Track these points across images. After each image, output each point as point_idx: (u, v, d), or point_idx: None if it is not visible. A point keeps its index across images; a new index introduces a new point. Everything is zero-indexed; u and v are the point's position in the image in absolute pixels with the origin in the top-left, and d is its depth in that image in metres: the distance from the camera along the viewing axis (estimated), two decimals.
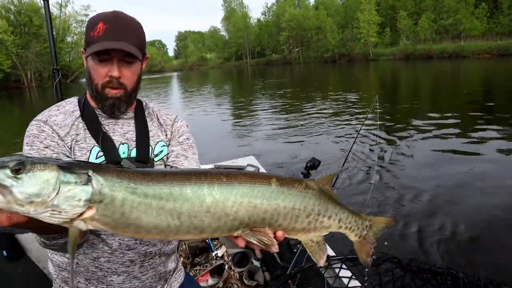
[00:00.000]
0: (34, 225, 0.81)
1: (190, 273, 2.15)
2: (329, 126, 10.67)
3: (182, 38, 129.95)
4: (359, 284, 1.69)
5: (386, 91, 19.49)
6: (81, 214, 0.77)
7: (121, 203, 0.79)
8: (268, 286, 1.69)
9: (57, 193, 0.75)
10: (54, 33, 3.09)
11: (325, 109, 13.98)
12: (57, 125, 1.28)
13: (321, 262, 1.04)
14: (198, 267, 2.18)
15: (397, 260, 1.73)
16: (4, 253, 2.30)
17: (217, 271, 2.19)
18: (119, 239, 1.29)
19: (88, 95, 1.36)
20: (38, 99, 35.23)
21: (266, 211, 0.89)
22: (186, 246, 2.37)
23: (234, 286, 2.06)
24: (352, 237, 1.09)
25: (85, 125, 1.30)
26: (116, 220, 0.80)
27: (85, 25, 1.34)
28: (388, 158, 6.95)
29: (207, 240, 2.46)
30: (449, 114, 10.59)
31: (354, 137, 2.54)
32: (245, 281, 2.14)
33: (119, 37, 1.21)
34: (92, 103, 1.35)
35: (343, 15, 71.30)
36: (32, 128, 1.28)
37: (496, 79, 21.55)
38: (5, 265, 2.25)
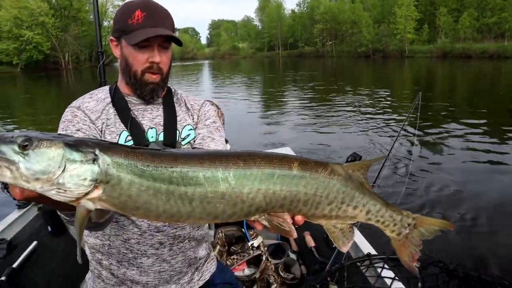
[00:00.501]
0: (46, 200, 0.80)
1: (227, 262, 2.16)
2: (364, 121, 10.50)
3: (215, 26, 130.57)
4: (403, 287, 1.63)
5: (421, 89, 18.84)
6: (87, 193, 0.76)
7: (128, 186, 0.77)
8: (307, 282, 1.66)
9: (63, 171, 0.73)
10: (99, 17, 3.15)
11: (358, 104, 13.75)
12: (89, 110, 1.32)
13: (344, 249, 0.99)
14: (235, 256, 2.19)
15: (443, 264, 1.66)
16: (49, 228, 2.40)
17: (253, 262, 2.19)
18: (148, 221, 1.31)
19: (119, 83, 1.39)
20: (75, 81, 36.42)
21: (285, 197, 0.85)
22: (223, 234, 2.39)
23: (270, 277, 2.04)
24: (388, 233, 1.01)
25: (115, 110, 1.34)
26: (124, 202, 0.78)
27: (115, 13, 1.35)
28: (423, 157, 6.75)
29: (243, 230, 2.48)
30: (486, 120, 10.09)
31: (395, 135, 2.47)
32: (281, 273, 2.12)
33: (158, 23, 1.24)
34: (125, 90, 1.38)
35: (380, 9, 69.35)
36: (67, 114, 1.33)
37: None
38: (50, 241, 2.36)
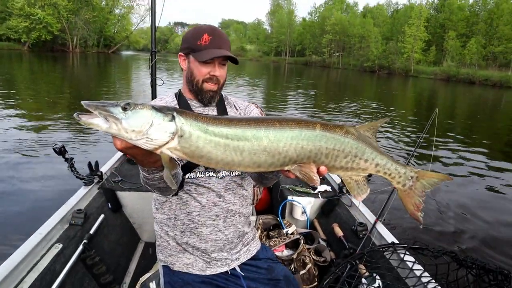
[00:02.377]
0: (137, 151, 1.05)
1: (270, 243, 2.50)
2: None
3: (225, 25, 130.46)
4: (422, 268, 1.97)
5: (423, 110, 19.44)
6: (167, 143, 1.00)
7: (196, 139, 1.01)
8: (340, 263, 1.99)
9: (151, 125, 0.98)
10: (155, 21, 3.38)
11: (360, 117, 14.16)
12: None
13: (359, 198, 1.19)
14: (275, 239, 2.54)
15: (454, 254, 2.01)
16: (109, 205, 2.74)
17: (291, 245, 2.52)
18: (207, 197, 1.64)
19: (183, 89, 1.75)
20: (80, 64, 36.37)
21: (311, 150, 1.07)
22: (261, 221, 2.75)
23: (306, 258, 2.37)
24: (395, 184, 1.18)
25: None
26: (193, 151, 1.02)
27: (183, 34, 1.75)
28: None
29: (278, 219, 2.83)
30: (480, 149, 10.53)
31: (410, 152, 2.72)
32: (314, 257, 2.45)
33: (220, 45, 1.57)
34: (187, 95, 1.71)
35: (390, 27, 69.94)
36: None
37: None
38: (110, 215, 2.70)
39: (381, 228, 2.41)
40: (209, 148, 1.02)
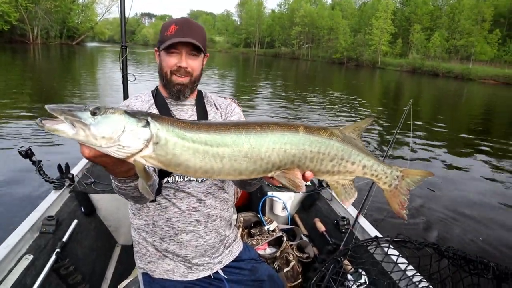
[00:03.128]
0: (107, 160, 0.97)
1: (253, 242, 2.45)
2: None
3: (194, 16, 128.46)
4: (406, 262, 1.99)
5: (389, 101, 20.07)
6: (140, 151, 0.92)
7: (173, 146, 0.94)
8: (325, 261, 1.98)
9: (123, 131, 0.90)
10: (125, 14, 3.25)
11: (328, 108, 14.42)
12: (137, 108, 1.59)
13: (346, 204, 1.14)
14: (258, 237, 2.48)
15: (436, 246, 2.04)
16: (82, 209, 2.61)
17: (273, 243, 2.49)
18: (186, 202, 1.57)
19: (159, 86, 1.66)
20: (42, 57, 34.78)
21: (294, 155, 1.01)
22: (242, 218, 2.70)
23: (290, 255, 2.33)
24: (381, 185, 1.16)
25: (158, 111, 1.59)
26: (169, 159, 0.95)
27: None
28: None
29: (258, 215, 2.79)
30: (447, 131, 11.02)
31: (388, 143, 2.76)
32: (297, 253, 2.42)
33: (187, 34, 1.47)
34: (163, 93, 1.62)
35: (358, 19, 71.18)
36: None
37: (498, 106, 22.12)
38: (83, 220, 2.56)
39: (363, 222, 2.41)
40: (187, 156, 0.95)
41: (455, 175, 7.26)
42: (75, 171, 2.87)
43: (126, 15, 3.26)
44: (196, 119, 1.61)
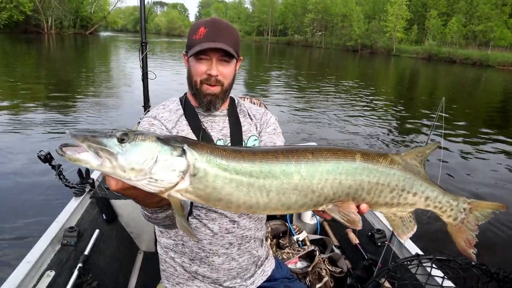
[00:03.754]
0: (137, 193, 0.88)
1: (283, 256, 2.33)
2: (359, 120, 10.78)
3: (205, 4, 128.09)
4: (453, 285, 1.84)
5: (404, 90, 19.70)
6: (176, 185, 0.82)
7: (214, 178, 0.83)
8: (367, 282, 1.84)
9: (155, 162, 0.80)
10: (144, 9, 3.16)
11: (343, 98, 14.14)
12: (165, 120, 1.46)
13: (404, 237, 1.04)
14: (288, 250, 2.36)
15: (485, 267, 1.88)
16: (103, 216, 2.52)
17: (304, 256, 2.36)
18: (219, 223, 1.44)
19: (188, 94, 1.51)
20: (56, 47, 35.05)
21: (350, 186, 0.91)
22: (270, 228, 2.57)
23: (322, 271, 2.21)
24: (445, 218, 1.04)
25: (187, 122, 1.46)
26: (209, 193, 0.84)
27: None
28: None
29: (287, 224, 2.66)
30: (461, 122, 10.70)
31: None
32: (329, 267, 2.29)
33: (217, 38, 1.33)
34: (193, 102, 1.49)
35: (372, 5, 69.62)
36: (143, 123, 1.47)
37: None
38: (105, 227, 2.47)
39: None
40: (229, 189, 0.84)
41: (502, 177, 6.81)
42: (95, 175, 2.78)
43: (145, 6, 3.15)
44: (229, 132, 1.49)
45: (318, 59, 42.02)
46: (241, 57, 1.50)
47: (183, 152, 0.83)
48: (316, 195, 0.89)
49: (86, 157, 0.78)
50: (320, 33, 74.87)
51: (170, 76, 16.39)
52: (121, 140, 0.79)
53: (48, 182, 4.71)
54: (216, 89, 1.40)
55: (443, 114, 2.45)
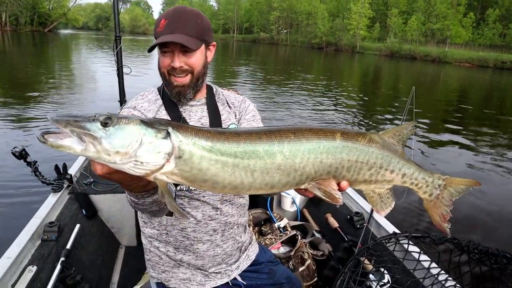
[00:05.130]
0: (123, 176, 0.88)
1: (266, 242, 2.38)
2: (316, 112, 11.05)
3: (170, 2, 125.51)
4: (429, 259, 1.95)
5: (368, 84, 20.33)
6: (161, 167, 0.82)
7: (199, 160, 0.83)
8: (348, 260, 1.92)
9: (139, 145, 0.79)
10: (117, 1, 3.10)
11: (309, 92, 14.46)
12: (145, 110, 1.45)
13: (382, 213, 1.06)
14: (271, 236, 2.41)
15: (456, 241, 2.01)
16: (83, 211, 2.48)
17: (285, 241, 2.42)
18: (202, 211, 1.47)
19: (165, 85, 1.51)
20: (12, 45, 33.39)
21: (331, 165, 0.92)
22: (252, 216, 2.62)
23: (305, 254, 2.27)
24: (421, 194, 1.07)
25: (167, 112, 1.46)
26: (195, 175, 0.84)
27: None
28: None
29: (267, 212, 2.71)
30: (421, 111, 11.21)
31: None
32: (311, 251, 2.36)
33: (175, 30, 1.30)
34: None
35: (336, 3, 71.09)
36: (123, 114, 1.47)
37: (472, 88, 22.74)
38: (85, 223, 2.43)
39: (378, 217, 2.36)
40: (215, 170, 0.85)
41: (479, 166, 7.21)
42: (72, 170, 2.72)
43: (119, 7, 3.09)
44: (207, 120, 1.49)
45: (284, 56, 42.44)
46: (214, 43, 1.49)
47: (168, 134, 0.82)
48: (299, 174, 0.90)
49: (69, 143, 0.76)
50: (285, 31, 75.52)
51: (144, 71, 16.10)
52: (104, 124, 0.78)
53: (24, 179, 4.57)
54: (185, 80, 1.39)
55: (412, 107, 2.56)
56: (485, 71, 37.94)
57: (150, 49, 1.34)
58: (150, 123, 0.83)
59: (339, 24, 62.99)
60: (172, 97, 1.43)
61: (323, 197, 0.94)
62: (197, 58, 1.38)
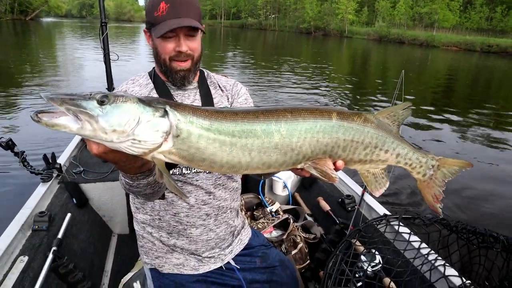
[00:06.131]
0: (119, 156, 0.87)
1: (259, 226, 2.39)
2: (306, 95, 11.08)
3: None
4: (419, 240, 1.99)
5: (357, 68, 20.40)
6: (159, 146, 0.81)
7: (197, 139, 0.83)
8: (340, 243, 1.95)
9: (137, 123, 0.78)
10: None
11: (299, 76, 14.49)
12: (136, 93, 1.43)
13: (376, 193, 1.06)
14: (263, 220, 2.42)
15: (445, 221, 2.05)
16: (74, 200, 2.46)
17: (278, 225, 2.43)
18: (195, 195, 1.46)
19: (157, 70, 1.49)
20: None
21: (327, 144, 0.93)
22: (244, 201, 2.63)
23: (297, 237, 2.29)
24: (415, 174, 1.08)
25: (158, 96, 1.43)
26: (192, 154, 0.84)
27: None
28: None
29: (259, 197, 2.72)
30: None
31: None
32: (303, 234, 2.38)
33: (181, 14, 1.29)
34: (162, 77, 1.46)
35: None
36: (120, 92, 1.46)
37: (460, 71, 22.96)
38: (76, 212, 2.41)
39: (369, 199, 2.39)
40: (213, 149, 0.84)
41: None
42: (61, 160, 2.68)
43: None
44: (200, 104, 1.47)
45: (273, 42, 42.18)
46: (204, 25, 1.47)
47: (165, 113, 0.81)
48: (295, 153, 0.91)
49: (65, 121, 0.75)
50: (273, 16, 74.92)
51: (131, 58, 15.87)
52: (101, 102, 0.77)
53: (12, 169, 4.52)
54: (187, 64, 1.39)
55: (402, 91, 2.57)
56: (472, 55, 38.23)
57: (161, 35, 1.30)
58: (147, 102, 0.82)
59: (327, 8, 62.67)
60: (176, 81, 1.41)
61: (320, 176, 0.95)
62: (198, 42, 1.39)
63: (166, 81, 1.46)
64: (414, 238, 2.00)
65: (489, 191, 5.16)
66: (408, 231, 2.05)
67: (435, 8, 54.77)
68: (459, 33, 51.05)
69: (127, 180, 1.11)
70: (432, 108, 10.42)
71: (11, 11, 56.66)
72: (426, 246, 1.95)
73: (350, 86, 13.51)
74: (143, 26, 1.46)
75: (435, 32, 51.95)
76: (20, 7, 58.76)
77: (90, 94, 0.77)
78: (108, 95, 0.78)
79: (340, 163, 0.97)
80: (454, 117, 9.49)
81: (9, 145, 2.21)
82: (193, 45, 1.37)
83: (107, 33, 3.00)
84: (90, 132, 0.76)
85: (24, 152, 2.30)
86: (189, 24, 1.28)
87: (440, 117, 9.45)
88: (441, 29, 53.63)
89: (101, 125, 0.76)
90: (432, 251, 1.92)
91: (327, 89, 12.32)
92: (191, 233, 1.50)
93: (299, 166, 0.95)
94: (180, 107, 0.84)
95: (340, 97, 11.02)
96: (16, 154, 2.26)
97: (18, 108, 7.96)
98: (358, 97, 11.44)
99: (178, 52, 1.34)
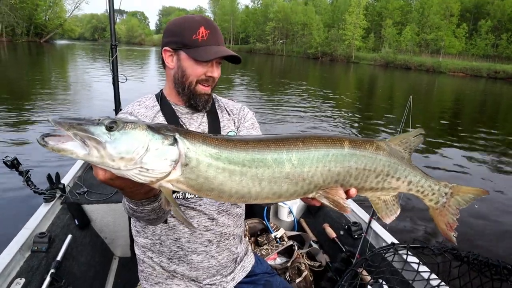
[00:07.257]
0: (126, 183, 0.86)
1: (262, 252, 2.33)
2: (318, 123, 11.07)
3: (166, 13, 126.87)
4: (428, 270, 1.92)
5: (364, 93, 20.48)
6: (167, 175, 0.79)
7: (206, 168, 0.81)
8: (345, 272, 1.88)
9: (146, 151, 0.77)
10: (114, 11, 3.10)
11: (307, 102, 14.52)
12: (142, 115, 1.42)
13: (387, 220, 1.04)
14: (267, 247, 2.36)
15: (456, 251, 1.98)
16: (76, 221, 2.43)
17: (282, 252, 2.37)
18: (197, 221, 1.43)
19: (167, 91, 1.47)
20: (8, 55, 33.36)
21: (339, 173, 0.91)
22: (248, 226, 2.57)
23: (302, 265, 2.22)
24: (427, 202, 1.06)
25: (164, 118, 1.43)
26: (201, 183, 0.82)
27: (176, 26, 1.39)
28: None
29: (264, 222, 2.67)
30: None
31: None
32: (308, 262, 2.31)
33: (219, 41, 1.35)
34: (173, 99, 1.45)
35: (331, 14, 71.86)
36: (129, 118, 1.45)
37: (467, 97, 22.93)
38: (77, 233, 2.38)
39: (376, 227, 2.33)
40: (222, 179, 0.82)
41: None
42: (65, 180, 2.67)
43: (115, 6, 3.10)
44: (207, 128, 1.47)
45: (280, 66, 42.71)
46: None
47: (175, 141, 0.80)
48: (307, 183, 0.88)
49: (72, 147, 0.73)
50: (281, 41, 76.09)
51: (140, 81, 16.10)
52: (109, 128, 0.75)
53: (15, 188, 4.49)
54: (209, 89, 1.42)
55: (409, 117, 2.55)
56: (478, 81, 38.35)
57: (209, 60, 1.32)
58: (157, 129, 0.80)
59: (334, 34, 63.64)
60: (199, 104, 1.42)
61: (331, 206, 0.92)
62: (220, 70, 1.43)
63: (177, 104, 1.45)
64: (423, 268, 1.93)
65: (500, 221, 5.02)
66: (417, 260, 1.98)
67: (441, 35, 55.41)
68: (465, 59, 51.37)
69: (131, 205, 1.10)
70: (439, 134, 10.36)
71: (27, 33, 58.34)
72: (436, 277, 1.87)
73: (357, 111, 13.53)
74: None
75: (441, 58, 52.36)
76: (36, 30, 60.49)
77: (99, 120, 0.76)
78: (117, 121, 0.77)
79: (353, 191, 0.96)
80: (463, 143, 9.40)
81: (14, 164, 2.21)
82: (219, 72, 1.41)
83: (116, 55, 3.04)
84: (97, 159, 0.75)
85: (28, 171, 2.29)
86: (233, 54, 1.34)
87: (448, 142, 9.38)
88: (447, 55, 54.07)
89: (109, 152, 0.74)
90: (443, 283, 1.84)
91: (334, 114, 12.33)
92: (192, 259, 1.46)
93: (310, 196, 0.92)
94: (190, 135, 0.82)
95: (347, 122, 11.02)
96: (20, 173, 2.26)
97: (29, 124, 8.09)
98: (365, 122, 11.44)
99: (209, 77, 1.37)
